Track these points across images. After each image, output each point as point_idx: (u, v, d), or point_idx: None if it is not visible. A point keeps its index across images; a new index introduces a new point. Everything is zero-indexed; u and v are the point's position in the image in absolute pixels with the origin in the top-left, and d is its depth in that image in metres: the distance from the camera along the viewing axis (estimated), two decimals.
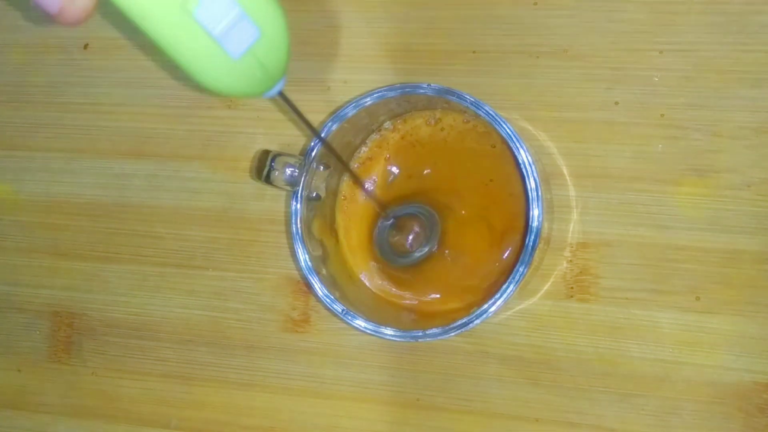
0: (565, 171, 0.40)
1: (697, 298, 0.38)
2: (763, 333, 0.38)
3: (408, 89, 0.36)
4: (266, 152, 0.37)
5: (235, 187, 0.44)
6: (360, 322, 0.37)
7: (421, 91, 0.36)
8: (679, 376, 0.38)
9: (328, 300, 0.37)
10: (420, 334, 0.36)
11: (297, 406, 0.43)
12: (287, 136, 0.43)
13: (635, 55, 0.39)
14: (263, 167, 0.37)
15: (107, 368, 0.46)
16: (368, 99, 0.36)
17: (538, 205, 0.35)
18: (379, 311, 0.40)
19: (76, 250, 0.47)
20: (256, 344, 0.44)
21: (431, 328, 0.36)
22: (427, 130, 0.40)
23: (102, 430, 0.46)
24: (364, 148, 0.40)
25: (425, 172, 0.40)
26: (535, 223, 0.34)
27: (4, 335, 0.48)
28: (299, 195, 0.38)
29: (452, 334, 0.35)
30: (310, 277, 0.37)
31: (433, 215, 0.39)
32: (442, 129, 0.39)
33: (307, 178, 0.38)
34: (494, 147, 0.38)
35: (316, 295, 0.37)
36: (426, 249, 0.39)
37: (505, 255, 0.38)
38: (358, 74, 0.43)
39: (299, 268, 0.39)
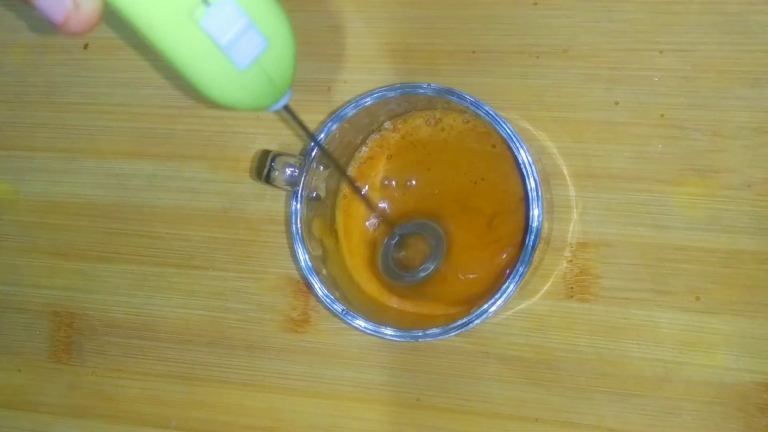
0: (565, 171, 0.40)
1: (697, 298, 0.38)
2: (763, 333, 0.38)
3: (408, 89, 0.36)
4: (266, 152, 0.37)
5: (235, 187, 0.44)
6: (360, 322, 0.37)
7: (421, 91, 0.36)
8: (679, 376, 0.38)
9: (328, 300, 0.37)
10: (420, 334, 0.36)
11: (297, 406, 0.43)
12: (287, 136, 0.43)
13: (635, 55, 0.39)
14: (263, 167, 0.37)
15: (107, 368, 0.46)
16: (368, 99, 0.36)
17: (538, 205, 0.35)
18: (379, 311, 0.40)
19: (76, 250, 0.47)
20: (256, 344, 0.44)
21: (431, 328, 0.36)
22: (427, 130, 0.40)
23: (102, 430, 0.46)
24: (364, 148, 0.40)
25: (426, 173, 0.40)
26: (535, 223, 0.35)
27: (4, 335, 0.48)
28: (299, 195, 0.38)
29: (452, 334, 0.35)
30: (310, 277, 0.37)
31: (438, 232, 0.39)
32: (443, 129, 0.39)
33: (307, 178, 0.38)
34: (494, 147, 0.38)
35: (316, 295, 0.37)
36: (432, 267, 0.39)
37: (505, 255, 0.38)
38: (358, 74, 0.43)
39: (299, 268, 0.39)
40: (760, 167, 0.38)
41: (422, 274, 0.39)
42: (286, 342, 0.43)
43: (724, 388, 0.38)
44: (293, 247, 0.38)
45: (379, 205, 0.40)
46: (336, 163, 0.36)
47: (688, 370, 0.38)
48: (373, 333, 0.36)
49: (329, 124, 0.37)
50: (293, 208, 0.38)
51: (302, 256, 0.38)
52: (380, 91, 0.36)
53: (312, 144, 0.37)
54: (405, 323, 0.38)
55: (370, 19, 0.43)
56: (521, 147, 0.35)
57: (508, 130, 0.35)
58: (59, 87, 0.47)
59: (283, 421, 0.43)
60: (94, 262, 0.46)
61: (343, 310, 0.37)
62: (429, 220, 0.40)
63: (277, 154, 0.37)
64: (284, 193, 0.43)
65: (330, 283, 0.38)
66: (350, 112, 0.37)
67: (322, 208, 0.40)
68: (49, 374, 0.47)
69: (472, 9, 0.41)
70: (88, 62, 0.47)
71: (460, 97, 0.35)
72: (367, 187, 0.40)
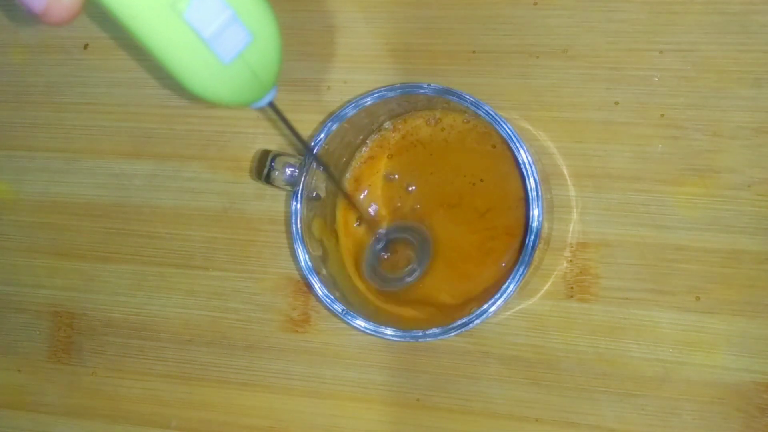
0: (565, 171, 0.40)
1: (697, 298, 0.38)
2: (763, 333, 0.38)
3: (408, 89, 0.36)
4: (266, 152, 0.37)
5: (235, 187, 0.44)
6: (360, 322, 0.37)
7: (421, 91, 0.36)
8: (679, 376, 0.38)
9: (328, 300, 0.37)
10: (420, 334, 0.36)
11: (297, 406, 0.43)
12: (287, 136, 0.43)
13: (635, 55, 0.39)
14: (263, 167, 0.37)
15: (107, 368, 0.46)
16: (368, 99, 0.36)
17: (538, 205, 0.35)
18: (378, 311, 0.40)
19: (76, 250, 0.47)
20: (256, 344, 0.44)
21: (431, 328, 0.36)
22: (428, 130, 0.40)
23: (102, 430, 0.46)
24: (364, 148, 0.40)
25: (426, 172, 0.40)
26: (535, 223, 0.35)
27: (4, 335, 0.48)
28: (299, 195, 0.38)
29: (452, 334, 0.35)
30: (310, 277, 0.37)
31: (424, 234, 0.39)
32: (443, 129, 0.39)
33: (307, 178, 0.38)
34: (494, 147, 0.38)
35: (316, 295, 0.37)
36: (418, 270, 0.39)
37: (505, 255, 0.38)
38: (358, 74, 0.43)
39: (299, 268, 0.39)
40: (760, 167, 0.38)
41: (408, 279, 0.39)
42: (286, 342, 0.43)
43: (724, 388, 0.38)
44: (293, 247, 0.38)
45: (374, 206, 0.40)
46: (328, 170, 0.36)
47: (688, 370, 0.38)
48: (373, 333, 0.36)
49: (329, 124, 0.37)
50: (293, 208, 0.38)
51: (302, 256, 0.37)
52: (380, 91, 0.36)
53: (309, 136, 0.37)
54: (405, 323, 0.38)
55: (370, 19, 0.43)
56: (521, 147, 0.35)
57: (508, 130, 0.35)
58: (59, 87, 0.47)
59: (283, 421, 0.43)
60: (94, 262, 0.46)
61: (343, 310, 0.37)
62: (415, 222, 0.39)
63: (277, 154, 0.37)
64: (284, 193, 0.43)
65: (330, 283, 0.38)
66: (350, 112, 0.37)
67: (322, 208, 0.40)
68: (49, 374, 0.47)
69: (472, 9, 0.41)
70: (88, 62, 0.47)
71: (460, 97, 0.35)
72: (366, 192, 0.40)
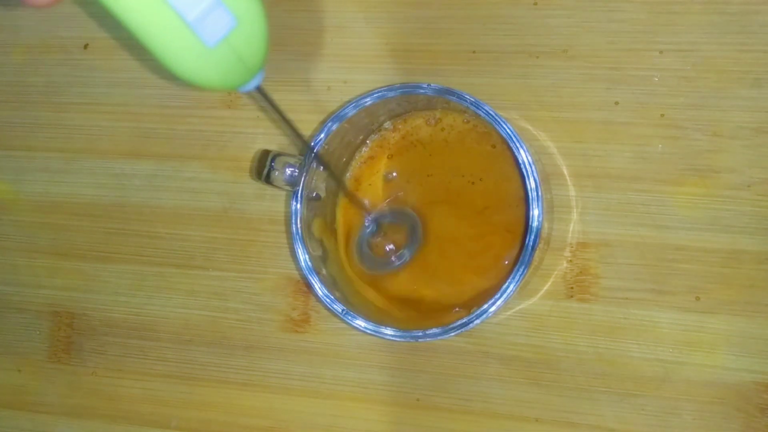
0: (565, 171, 0.40)
1: (697, 298, 0.38)
2: (763, 333, 0.38)
3: (408, 89, 0.36)
4: (266, 152, 0.37)
5: (235, 187, 0.44)
6: (360, 322, 0.37)
7: (421, 91, 0.36)
8: (679, 376, 0.38)
9: (328, 300, 0.37)
10: (420, 334, 0.36)
11: (297, 406, 0.43)
12: (287, 136, 0.43)
13: (635, 55, 0.39)
14: (263, 167, 0.37)
15: (107, 368, 0.46)
16: (368, 99, 0.36)
17: (538, 205, 0.35)
18: (378, 311, 0.40)
19: (76, 250, 0.47)
20: (256, 344, 0.44)
21: (431, 328, 0.36)
22: (428, 130, 0.40)
23: (102, 430, 0.46)
24: (364, 148, 0.40)
25: (426, 172, 0.40)
26: (535, 223, 0.35)
27: (4, 335, 0.48)
28: (299, 195, 0.38)
29: (452, 334, 0.35)
30: (310, 277, 0.37)
31: (414, 219, 0.39)
32: (443, 129, 0.39)
33: (307, 178, 0.38)
34: (494, 147, 0.38)
35: (316, 295, 0.37)
36: (408, 254, 0.39)
37: (504, 251, 0.38)
38: (358, 74, 0.43)
39: (299, 268, 0.39)
40: (760, 167, 0.38)
41: (397, 262, 0.39)
42: (286, 342, 0.43)
43: (724, 388, 0.38)
44: (293, 247, 0.38)
45: (370, 202, 0.40)
46: (321, 160, 0.36)
47: (688, 370, 0.38)
48: (373, 333, 0.36)
49: (329, 124, 0.37)
50: (293, 208, 0.38)
51: (302, 256, 0.38)
52: (380, 91, 0.36)
53: (311, 133, 0.36)
54: (405, 323, 0.38)
55: (370, 19, 0.43)
56: (521, 147, 0.35)
57: (508, 130, 0.35)
58: (59, 87, 0.47)
59: (283, 421, 0.43)
60: (94, 262, 0.46)
61: (343, 310, 0.37)
62: (407, 209, 0.39)
63: (277, 154, 0.37)
64: (284, 193, 0.43)
65: (330, 283, 0.38)
66: (350, 112, 0.37)
67: (322, 208, 0.40)
68: (49, 374, 0.47)
69: (472, 9, 0.41)
70: (88, 62, 0.47)
71: (460, 97, 0.35)
72: (367, 201, 0.40)
